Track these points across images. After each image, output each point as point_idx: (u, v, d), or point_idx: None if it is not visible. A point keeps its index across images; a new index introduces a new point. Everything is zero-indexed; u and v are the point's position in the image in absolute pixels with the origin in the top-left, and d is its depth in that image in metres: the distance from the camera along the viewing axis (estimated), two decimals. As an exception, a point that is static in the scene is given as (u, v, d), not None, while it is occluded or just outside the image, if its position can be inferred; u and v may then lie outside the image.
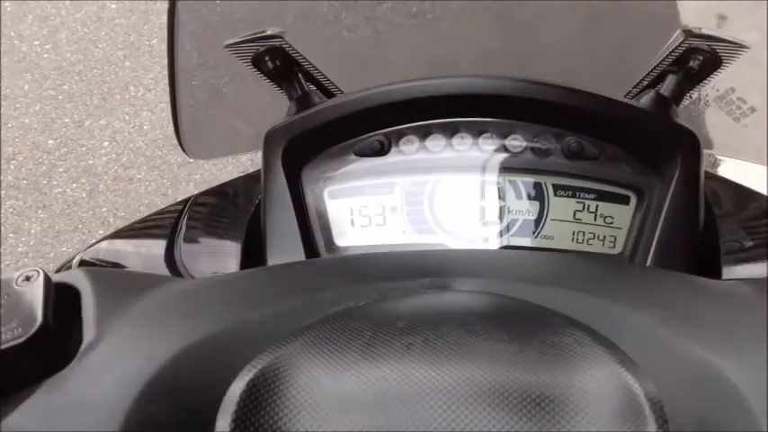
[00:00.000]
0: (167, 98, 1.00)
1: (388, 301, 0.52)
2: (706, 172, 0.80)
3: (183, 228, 0.90)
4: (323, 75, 0.90)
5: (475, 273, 0.58)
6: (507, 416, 0.38)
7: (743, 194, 0.90)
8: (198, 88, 0.97)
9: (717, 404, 0.42)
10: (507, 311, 0.50)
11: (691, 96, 0.85)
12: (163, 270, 0.84)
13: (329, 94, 0.92)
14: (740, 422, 0.40)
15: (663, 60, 0.80)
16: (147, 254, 0.89)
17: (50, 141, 3.12)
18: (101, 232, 2.89)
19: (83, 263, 0.87)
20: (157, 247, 0.87)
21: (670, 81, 0.80)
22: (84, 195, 2.97)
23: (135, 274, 0.65)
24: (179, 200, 0.96)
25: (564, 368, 0.42)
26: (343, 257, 0.68)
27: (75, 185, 3.00)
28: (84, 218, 2.92)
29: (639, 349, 0.44)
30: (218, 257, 0.85)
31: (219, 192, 1.00)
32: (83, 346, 0.48)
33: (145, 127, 3.20)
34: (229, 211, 0.95)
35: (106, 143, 3.20)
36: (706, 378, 0.43)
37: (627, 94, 0.87)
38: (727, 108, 0.85)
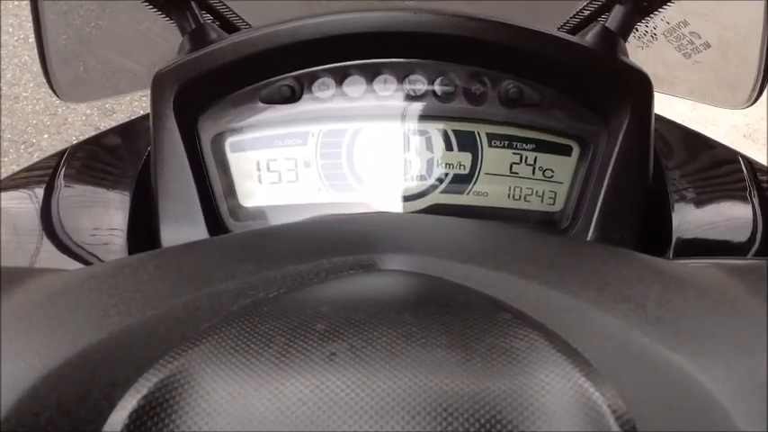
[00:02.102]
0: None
1: (303, 290, 0.43)
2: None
3: (61, 183, 0.77)
4: (223, 4, 0.77)
5: (405, 246, 0.49)
6: None
7: (691, 139, 0.84)
8: (70, 15, 0.83)
9: (697, 424, 0.35)
10: (447, 304, 0.41)
11: (637, 29, 0.76)
12: (37, 235, 0.72)
13: (231, 28, 0.79)
14: None
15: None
16: (18, 215, 0.76)
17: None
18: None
19: None
20: (31, 206, 0.75)
21: (617, 13, 0.71)
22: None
23: None
24: (54, 152, 0.83)
25: (517, 381, 0.34)
26: (247, 234, 0.58)
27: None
28: (-34, 141, 2.71)
29: (605, 357, 0.37)
30: (102, 216, 0.74)
31: (101, 140, 0.88)
32: None
33: (30, 40, 2.96)
34: (116, 160, 0.83)
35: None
36: (684, 393, 0.36)
37: (566, 24, 0.78)
38: (678, 43, 0.76)
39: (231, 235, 0.59)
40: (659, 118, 0.84)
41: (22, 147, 2.73)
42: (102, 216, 0.74)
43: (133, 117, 2.64)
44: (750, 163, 0.79)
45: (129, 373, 0.35)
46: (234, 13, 0.79)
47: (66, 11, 0.80)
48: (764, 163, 0.79)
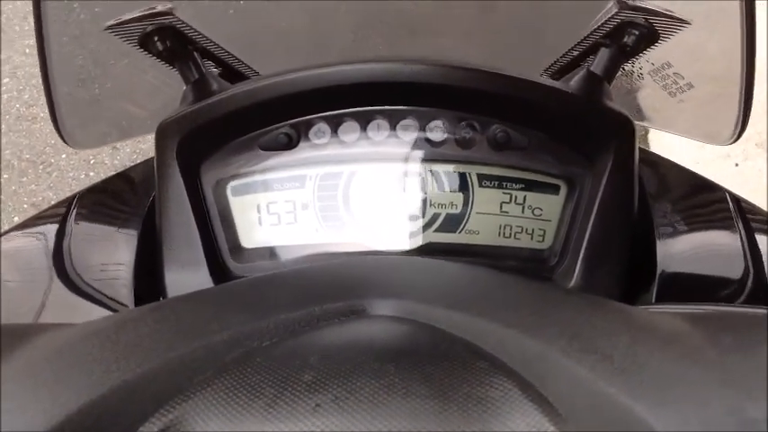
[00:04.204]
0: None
1: (295, 339, 0.45)
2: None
3: (72, 228, 0.81)
4: (226, 51, 0.80)
5: (394, 291, 0.51)
6: None
7: (676, 174, 0.86)
8: (77, 66, 0.86)
9: None
10: (430, 353, 0.44)
11: (623, 69, 0.78)
12: (48, 277, 0.76)
13: (233, 73, 0.82)
14: None
15: (594, 33, 0.73)
16: (30, 259, 0.80)
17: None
18: (6, 176, 2.73)
19: None
20: (43, 253, 0.79)
21: (602, 56, 0.73)
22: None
23: None
24: (64, 198, 0.86)
25: (488, 429, 0.36)
26: (243, 283, 0.60)
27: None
28: (-14, 162, 2.76)
29: (573, 406, 0.39)
30: (110, 258, 0.77)
31: (108, 185, 0.91)
32: None
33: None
34: (123, 203, 0.86)
35: (6, 79, 3.01)
36: None
37: (551, 67, 0.80)
38: (663, 82, 0.79)
39: (228, 285, 0.61)
40: (648, 153, 0.86)
41: (41, 167, 2.78)
42: (110, 257, 0.77)
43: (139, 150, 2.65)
44: (737, 201, 0.81)
45: (125, 427, 0.37)
46: (236, 58, 0.82)
47: (68, 51, 0.84)
48: None
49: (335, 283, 0.54)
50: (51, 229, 0.82)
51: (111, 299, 0.73)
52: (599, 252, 0.71)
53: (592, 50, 0.75)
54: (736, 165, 2.64)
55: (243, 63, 0.83)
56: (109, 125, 0.93)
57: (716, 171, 2.61)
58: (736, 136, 0.77)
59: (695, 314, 0.52)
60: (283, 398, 0.38)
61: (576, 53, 0.77)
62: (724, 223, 0.79)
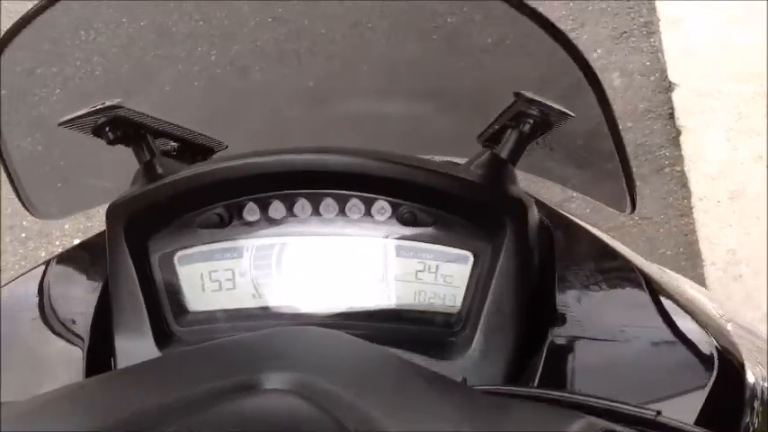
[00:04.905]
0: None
1: (190, 418, 0.51)
2: (550, 210, 0.82)
3: (45, 292, 0.91)
4: (180, 127, 0.89)
5: (290, 363, 0.58)
6: None
7: (587, 241, 0.93)
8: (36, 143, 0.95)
9: None
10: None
11: (538, 142, 0.85)
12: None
13: (189, 145, 0.92)
14: None
15: (497, 120, 0.81)
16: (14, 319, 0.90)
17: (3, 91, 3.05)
18: (59, 185, 2.84)
19: None
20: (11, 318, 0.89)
21: (508, 138, 0.81)
22: (39, 149, 2.91)
23: None
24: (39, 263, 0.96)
25: None
26: (153, 362, 0.67)
27: (29, 139, 2.94)
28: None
29: None
30: (69, 328, 0.87)
31: (74, 253, 1.01)
32: None
33: (96, 72, 3.11)
34: (86, 273, 0.96)
35: (58, 90, 3.11)
36: None
37: (482, 134, 0.87)
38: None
39: (141, 364, 0.66)
40: (563, 218, 0.93)
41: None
42: (69, 326, 0.87)
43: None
44: (643, 273, 0.87)
45: None
46: (191, 131, 0.91)
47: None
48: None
49: (234, 359, 0.60)
50: (28, 292, 0.92)
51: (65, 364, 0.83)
52: (497, 319, 0.78)
53: (503, 130, 0.83)
54: (768, 166, 2.64)
55: (199, 134, 0.92)
56: (73, 197, 1.02)
57: (747, 172, 2.67)
58: (629, 208, 0.83)
59: (522, 398, 0.60)
60: None
61: (488, 135, 0.84)
62: (625, 290, 0.86)
